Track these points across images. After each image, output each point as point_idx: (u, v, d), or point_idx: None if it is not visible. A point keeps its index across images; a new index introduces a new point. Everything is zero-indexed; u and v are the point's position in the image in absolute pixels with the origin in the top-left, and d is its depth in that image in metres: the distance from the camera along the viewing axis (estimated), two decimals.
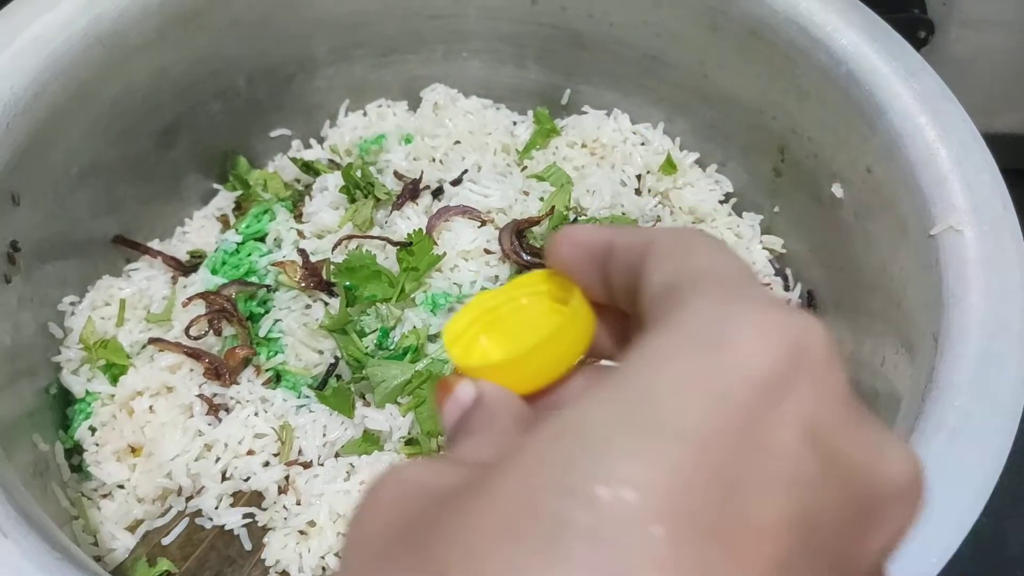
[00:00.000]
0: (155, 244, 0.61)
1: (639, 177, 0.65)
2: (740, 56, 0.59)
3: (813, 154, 0.58)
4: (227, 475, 0.52)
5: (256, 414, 0.52)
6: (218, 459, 0.51)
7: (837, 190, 0.57)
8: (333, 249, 0.57)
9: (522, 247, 0.57)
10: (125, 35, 0.54)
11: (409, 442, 0.51)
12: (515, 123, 0.69)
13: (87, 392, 0.54)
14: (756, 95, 0.60)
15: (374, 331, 0.54)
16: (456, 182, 0.61)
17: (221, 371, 0.53)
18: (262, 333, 0.55)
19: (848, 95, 0.53)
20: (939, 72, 0.72)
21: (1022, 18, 0.70)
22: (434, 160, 0.64)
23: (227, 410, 0.53)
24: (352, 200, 0.60)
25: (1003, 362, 0.42)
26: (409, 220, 0.58)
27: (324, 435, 0.52)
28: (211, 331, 0.54)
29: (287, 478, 0.52)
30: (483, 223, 0.58)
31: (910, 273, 0.49)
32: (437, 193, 0.61)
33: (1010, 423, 0.40)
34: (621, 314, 0.23)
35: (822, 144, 0.57)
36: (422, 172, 0.61)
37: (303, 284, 0.55)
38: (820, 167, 0.58)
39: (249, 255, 0.58)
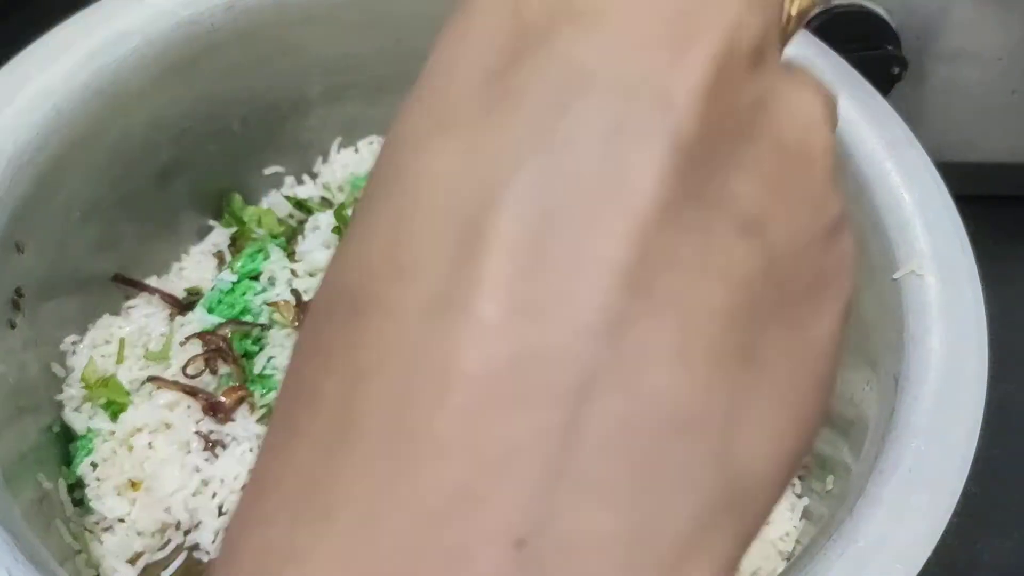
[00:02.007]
0: (153, 281, 0.64)
1: None
2: None
3: None
4: (223, 510, 0.54)
5: (251, 450, 0.54)
6: (215, 494, 0.53)
7: None
8: None
9: None
10: (124, 85, 0.57)
11: None
12: None
13: (88, 429, 0.56)
14: None
15: None
16: None
17: (217, 409, 0.55)
18: (257, 370, 0.57)
19: None
20: (916, 105, 0.74)
21: (996, 50, 0.72)
22: None
23: (223, 446, 0.55)
24: None
25: (958, 405, 0.45)
26: None
27: None
28: (207, 370, 0.56)
29: None
30: None
31: (875, 315, 0.52)
32: None
33: (962, 464, 0.43)
34: None
35: None
36: None
37: (296, 323, 0.57)
38: None
39: (244, 294, 0.60)
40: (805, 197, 0.19)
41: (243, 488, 0.17)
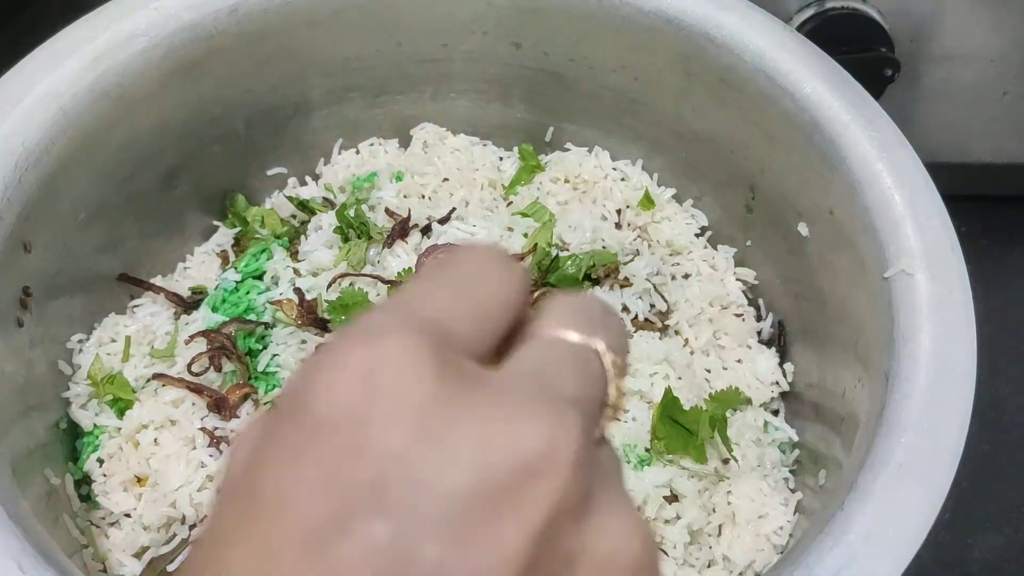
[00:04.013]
0: (158, 280, 0.65)
1: (619, 212, 0.68)
2: (712, 100, 0.62)
3: (780, 194, 0.61)
4: None
5: None
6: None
7: (803, 228, 0.60)
8: (328, 287, 0.60)
9: None
10: (129, 88, 0.58)
11: None
12: (501, 159, 0.72)
13: (95, 426, 0.57)
14: (728, 136, 0.64)
15: None
16: (444, 220, 0.64)
17: (222, 405, 0.56)
18: (260, 368, 0.58)
19: (811, 140, 0.57)
20: (908, 107, 0.75)
21: (987, 53, 0.73)
22: (423, 197, 0.68)
23: (227, 443, 0.56)
24: (345, 239, 0.63)
25: (947, 402, 0.46)
26: (399, 258, 0.62)
27: None
28: (212, 367, 0.57)
29: None
30: None
31: (867, 313, 0.53)
32: (426, 231, 0.64)
33: (952, 459, 0.44)
34: None
35: (788, 185, 0.60)
36: (409, 211, 0.64)
37: (299, 321, 0.58)
38: (787, 206, 0.61)
39: (247, 293, 0.61)
40: None
41: None
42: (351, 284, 0.60)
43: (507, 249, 0.24)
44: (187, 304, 0.63)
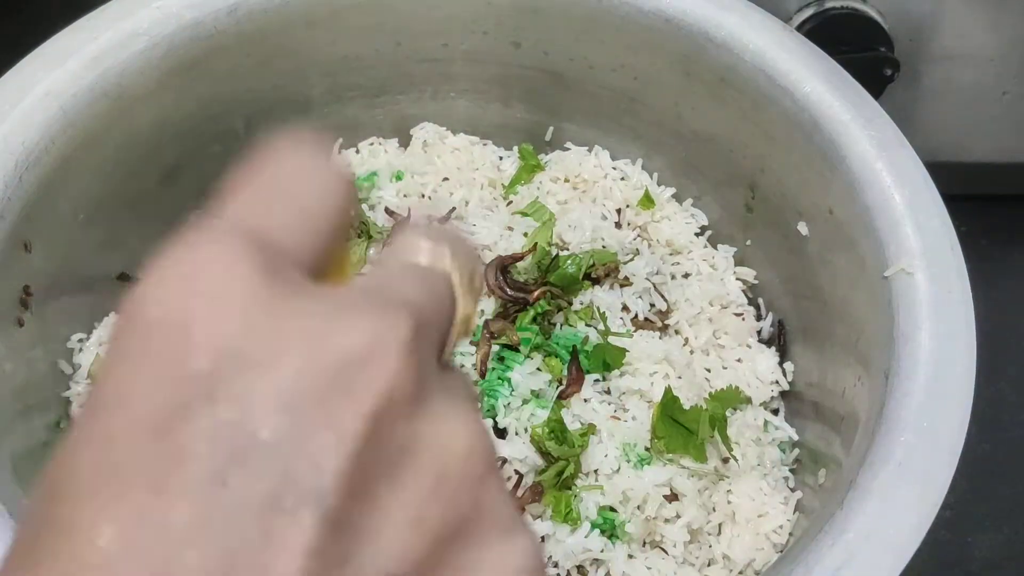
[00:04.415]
0: None
1: (619, 211, 0.68)
2: (712, 99, 0.62)
3: (780, 193, 0.62)
4: None
5: None
6: None
7: (803, 228, 0.60)
8: None
9: (506, 282, 0.60)
10: (129, 87, 0.58)
11: None
12: (501, 158, 0.72)
13: None
14: (728, 135, 0.64)
15: None
16: (444, 219, 0.64)
17: None
18: None
19: (811, 140, 0.57)
20: (908, 106, 0.75)
21: (987, 52, 0.73)
22: (423, 196, 0.68)
23: None
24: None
25: (947, 400, 0.46)
26: None
27: None
28: None
29: None
30: None
31: (867, 312, 0.53)
32: None
33: (951, 458, 0.44)
34: None
35: (788, 184, 0.60)
36: (409, 210, 0.64)
37: None
38: (787, 205, 0.61)
39: None
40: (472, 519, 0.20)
41: None
42: None
43: (326, 148, 0.24)
44: None
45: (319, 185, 0.23)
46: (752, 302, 0.67)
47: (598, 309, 0.60)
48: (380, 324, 0.19)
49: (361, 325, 0.19)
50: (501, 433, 0.54)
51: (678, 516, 0.54)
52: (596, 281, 0.62)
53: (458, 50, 0.68)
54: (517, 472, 0.53)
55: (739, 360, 0.63)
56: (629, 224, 0.68)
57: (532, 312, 0.58)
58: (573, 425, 0.55)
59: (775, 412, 0.63)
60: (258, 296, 0.19)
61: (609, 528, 0.52)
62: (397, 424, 0.19)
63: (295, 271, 0.21)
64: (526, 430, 0.54)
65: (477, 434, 0.21)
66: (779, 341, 0.65)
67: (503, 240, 0.63)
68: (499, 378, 0.55)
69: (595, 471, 0.54)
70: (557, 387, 0.56)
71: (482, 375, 0.55)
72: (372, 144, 0.72)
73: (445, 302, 0.23)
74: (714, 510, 0.56)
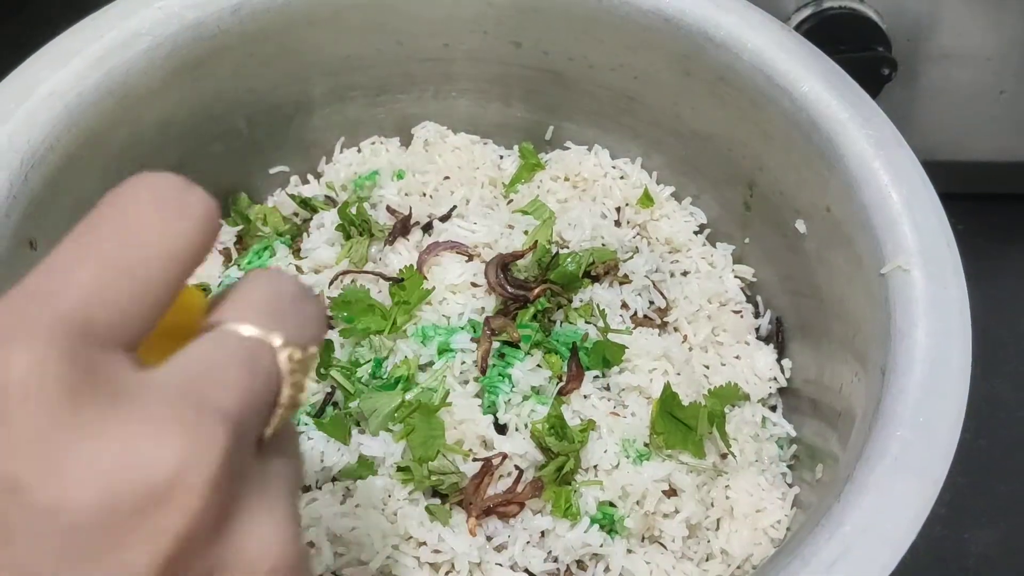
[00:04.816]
0: None
1: (618, 209, 0.69)
2: (711, 99, 0.63)
3: (779, 191, 0.62)
4: None
5: None
6: None
7: (800, 226, 0.60)
8: (330, 284, 0.61)
9: (507, 280, 0.61)
10: (133, 87, 0.58)
11: (401, 468, 0.55)
12: (501, 157, 0.73)
13: None
14: (726, 134, 0.64)
15: (368, 361, 0.58)
16: (445, 218, 0.65)
17: None
18: None
19: (809, 139, 0.57)
20: (905, 105, 0.76)
21: (985, 52, 0.74)
22: (424, 195, 0.68)
23: None
24: (347, 237, 0.64)
25: (942, 396, 0.46)
26: (401, 256, 0.62)
27: (322, 461, 0.56)
28: None
29: None
30: (470, 258, 0.62)
31: (864, 309, 0.53)
32: (427, 228, 0.64)
33: (946, 453, 0.44)
34: None
35: (786, 183, 0.61)
36: (411, 208, 0.65)
37: None
38: (785, 204, 0.62)
39: None
40: None
41: None
42: (353, 281, 0.61)
43: (180, 180, 0.22)
44: None
45: (155, 237, 0.21)
46: (750, 299, 0.68)
47: (598, 306, 0.61)
48: (188, 450, 0.18)
49: (162, 454, 0.18)
50: (502, 429, 0.55)
51: (677, 511, 0.55)
52: (596, 279, 0.63)
53: (459, 50, 0.68)
54: (517, 467, 0.54)
55: (737, 357, 0.63)
56: (628, 222, 0.69)
57: (532, 309, 0.58)
58: (573, 421, 0.55)
59: (773, 408, 0.63)
60: (59, 419, 0.18)
61: (608, 523, 0.53)
62: (197, 557, 0.18)
63: (114, 354, 0.19)
64: (526, 426, 0.55)
65: (286, 541, 0.20)
66: (777, 338, 0.66)
67: (503, 238, 0.64)
68: (500, 374, 0.56)
69: (595, 467, 0.54)
70: (557, 383, 0.57)
71: (483, 371, 0.56)
72: (374, 143, 0.72)
73: (268, 385, 0.21)
74: (712, 505, 0.57)
